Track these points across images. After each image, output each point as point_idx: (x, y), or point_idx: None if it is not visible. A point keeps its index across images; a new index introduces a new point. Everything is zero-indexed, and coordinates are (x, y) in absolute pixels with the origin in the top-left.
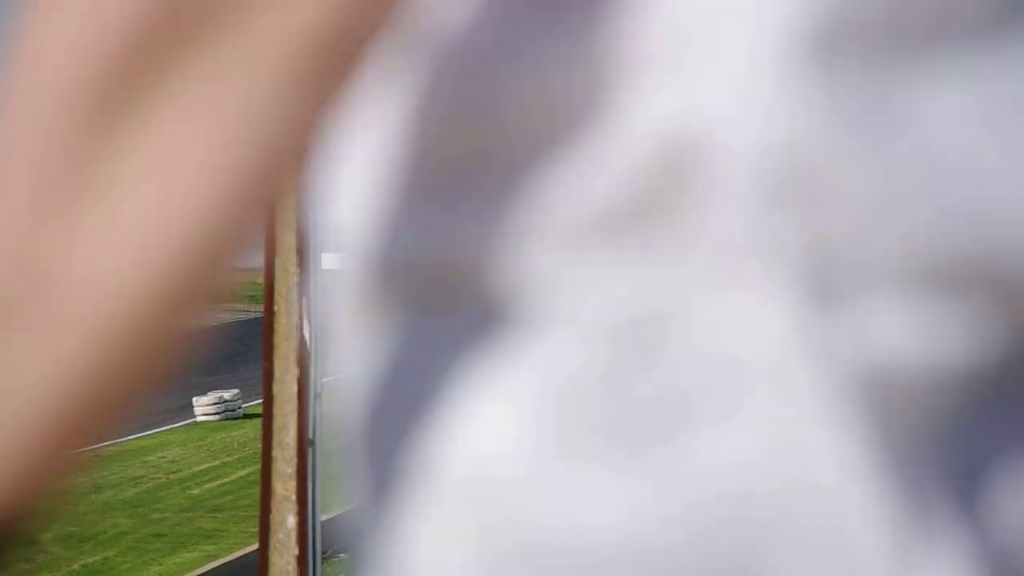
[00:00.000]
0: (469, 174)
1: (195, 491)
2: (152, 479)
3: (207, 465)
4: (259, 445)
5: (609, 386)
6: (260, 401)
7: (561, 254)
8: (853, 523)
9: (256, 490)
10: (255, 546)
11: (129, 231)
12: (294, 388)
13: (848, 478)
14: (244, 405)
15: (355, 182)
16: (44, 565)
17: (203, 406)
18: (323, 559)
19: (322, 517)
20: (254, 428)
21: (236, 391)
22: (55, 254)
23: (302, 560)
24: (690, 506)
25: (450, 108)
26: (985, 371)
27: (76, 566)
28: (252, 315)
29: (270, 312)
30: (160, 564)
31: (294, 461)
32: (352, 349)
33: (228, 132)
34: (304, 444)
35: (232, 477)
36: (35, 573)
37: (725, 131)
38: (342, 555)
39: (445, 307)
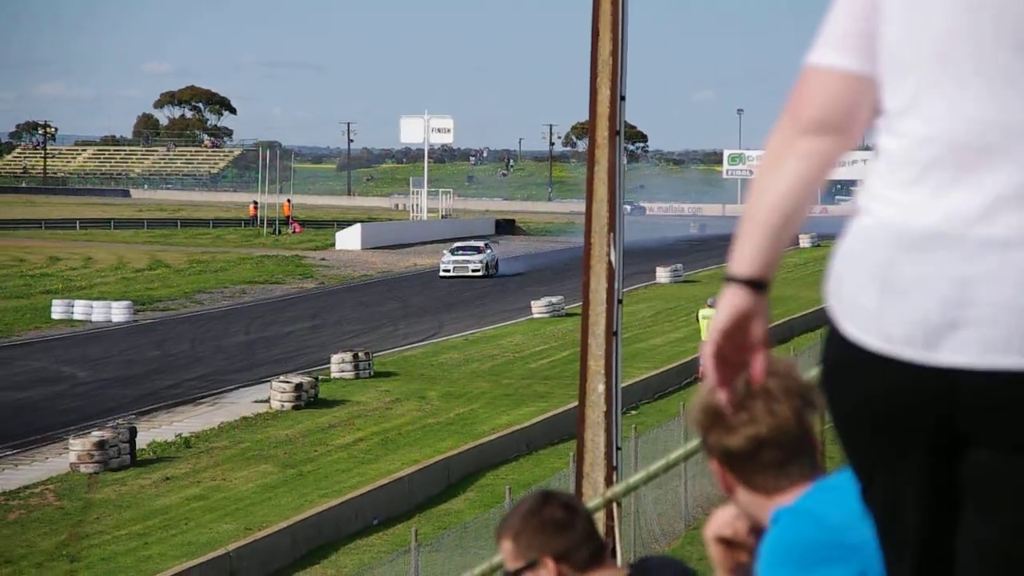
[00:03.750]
0: None
1: (532, 365)
2: (503, 356)
3: (540, 348)
4: (578, 335)
5: None
6: (579, 304)
7: None
8: None
9: (575, 366)
10: (575, 404)
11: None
12: (603, 295)
13: None
14: (566, 307)
15: None
16: (431, 413)
17: (537, 307)
18: (622, 414)
19: (622, 384)
20: (574, 323)
21: (561, 297)
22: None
23: (608, 414)
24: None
25: None
26: None
27: (452, 415)
28: (573, 245)
29: (588, 243)
30: (508, 415)
31: (603, 346)
32: None
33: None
34: (611, 334)
35: (558, 356)
36: (425, 418)
37: None
38: (633, 411)
39: None
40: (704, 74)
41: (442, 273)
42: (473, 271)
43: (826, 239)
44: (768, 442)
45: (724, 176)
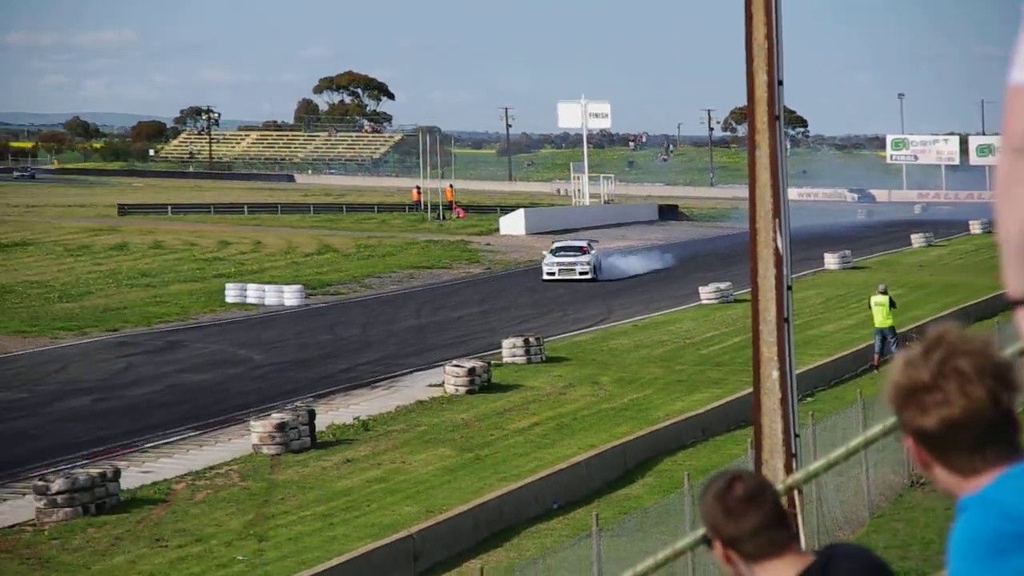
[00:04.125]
0: None
1: (704, 351)
2: (673, 342)
3: (711, 334)
4: (747, 321)
5: None
6: (747, 290)
7: None
8: None
9: (747, 352)
10: (749, 390)
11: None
12: (772, 282)
13: None
14: (734, 293)
15: None
16: (604, 398)
17: (706, 293)
18: (798, 401)
19: (796, 371)
20: (743, 309)
21: (729, 283)
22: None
23: (784, 401)
24: None
25: None
26: None
27: (625, 400)
28: (738, 231)
29: (753, 229)
30: (682, 401)
31: (775, 333)
32: None
33: None
34: (782, 320)
35: (729, 343)
36: (600, 403)
37: None
38: (809, 399)
39: None
40: (862, 57)
41: (546, 276)
42: (581, 274)
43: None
44: (962, 424)
45: (888, 161)
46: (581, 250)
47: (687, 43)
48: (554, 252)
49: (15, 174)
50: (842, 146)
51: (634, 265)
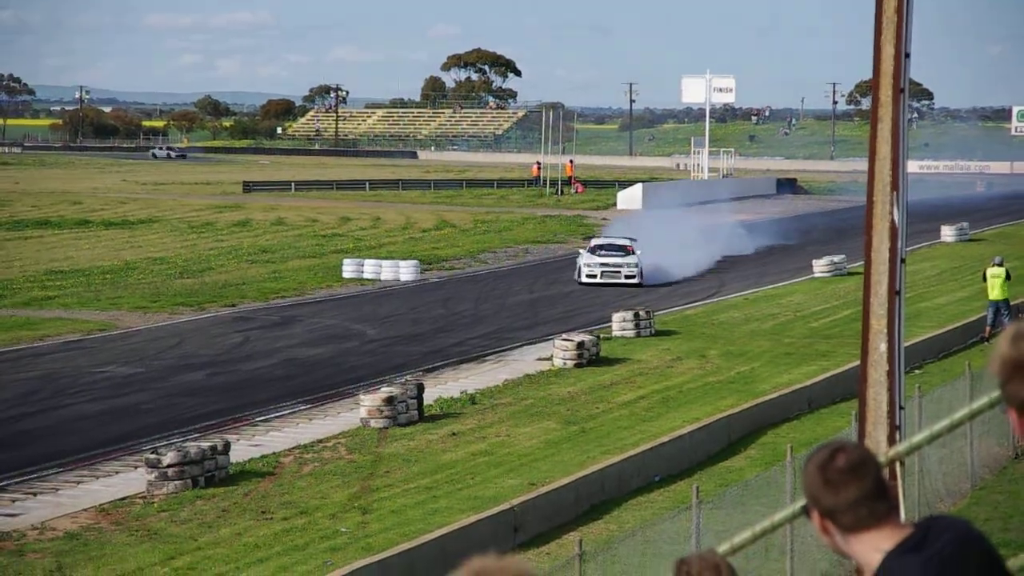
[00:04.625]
0: None
1: (814, 324)
2: (783, 316)
3: (822, 307)
4: (859, 294)
5: None
6: (860, 263)
7: None
8: None
9: (857, 325)
10: (856, 363)
11: None
12: (886, 255)
13: None
14: (848, 266)
15: None
16: (711, 371)
17: (819, 266)
18: (905, 373)
19: (905, 343)
20: (856, 282)
21: (843, 256)
22: None
23: (891, 374)
24: None
25: None
26: None
27: (732, 373)
28: (855, 204)
29: (870, 202)
30: (789, 373)
31: (885, 305)
32: None
33: None
34: (893, 293)
35: (839, 315)
36: (706, 376)
37: None
38: (917, 371)
39: None
40: (993, 28)
41: (584, 279)
42: (627, 277)
43: None
44: None
45: (1012, 133)
46: (624, 250)
47: (813, 16)
48: (594, 251)
49: (152, 152)
50: (967, 118)
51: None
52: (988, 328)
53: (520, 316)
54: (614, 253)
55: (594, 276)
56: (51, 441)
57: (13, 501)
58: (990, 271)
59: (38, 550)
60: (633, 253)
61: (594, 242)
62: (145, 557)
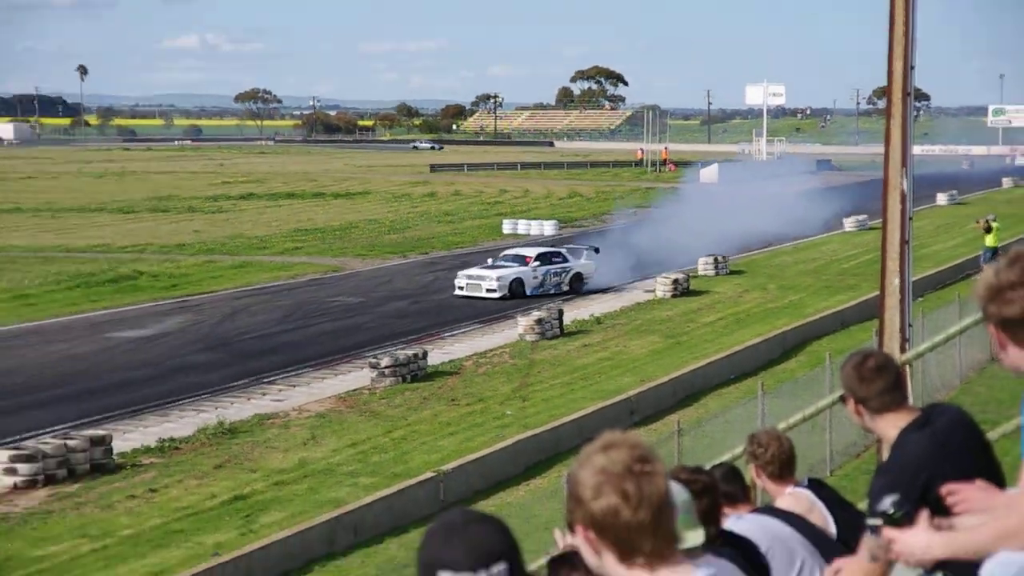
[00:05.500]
0: None
1: (845, 265)
2: (822, 259)
3: (850, 253)
4: (878, 243)
5: None
6: (879, 220)
7: None
8: None
9: (877, 266)
10: (877, 293)
11: None
12: (898, 214)
13: None
14: (869, 223)
15: None
16: (770, 300)
17: (848, 223)
18: (912, 300)
19: (912, 278)
20: (875, 235)
21: (865, 215)
22: None
23: (902, 301)
24: None
25: None
26: None
27: (786, 301)
28: (874, 178)
29: (886, 176)
30: (827, 301)
31: (898, 251)
32: None
33: None
34: (903, 242)
35: (863, 259)
36: (766, 303)
37: None
38: (920, 299)
39: None
40: (976, 45)
41: (456, 291)
42: (487, 291)
43: None
44: None
45: (988, 125)
46: (524, 260)
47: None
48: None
49: (413, 146)
50: (955, 114)
51: None
52: (983, 266)
53: (628, 260)
54: (503, 265)
55: (462, 288)
56: (303, 349)
57: (280, 391)
58: (971, 226)
59: (298, 425)
60: (526, 266)
61: (507, 251)
62: (371, 430)
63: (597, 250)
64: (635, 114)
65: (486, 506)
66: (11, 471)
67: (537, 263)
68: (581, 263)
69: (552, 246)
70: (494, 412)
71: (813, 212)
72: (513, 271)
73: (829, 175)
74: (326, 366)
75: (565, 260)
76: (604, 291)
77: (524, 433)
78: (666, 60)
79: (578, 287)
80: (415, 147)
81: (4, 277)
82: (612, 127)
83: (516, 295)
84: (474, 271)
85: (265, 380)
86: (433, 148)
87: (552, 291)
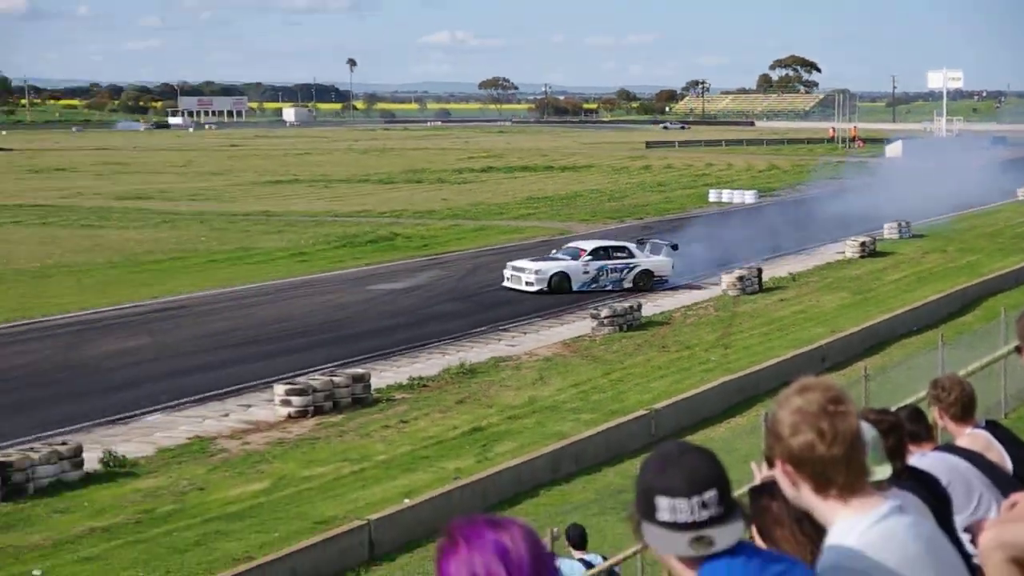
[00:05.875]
0: None
1: (1019, 231)
2: (998, 225)
3: (1022, 219)
4: None
5: None
6: None
7: None
8: None
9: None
10: None
11: None
12: None
13: None
14: None
15: None
16: (949, 260)
17: (1021, 192)
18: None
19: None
20: None
21: None
22: None
23: None
24: None
25: None
26: None
27: (963, 262)
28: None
29: None
30: (1002, 262)
31: None
32: None
33: None
34: None
35: None
36: (946, 263)
37: None
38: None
39: None
40: None
41: (505, 283)
42: (527, 284)
43: None
44: None
45: None
46: (578, 253)
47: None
48: (552, 254)
49: (663, 126)
50: None
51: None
52: None
53: (825, 227)
54: (554, 258)
55: (508, 280)
56: (532, 301)
57: (513, 337)
58: None
59: (528, 367)
60: (577, 260)
61: (569, 244)
62: (591, 372)
63: (676, 247)
64: (827, 97)
65: (692, 440)
66: (286, 403)
67: (590, 257)
68: (652, 259)
69: (634, 240)
70: (700, 358)
71: (988, 183)
72: (558, 265)
73: (1003, 150)
74: (553, 315)
75: (630, 255)
76: (798, 252)
77: (726, 376)
78: (855, 49)
79: (647, 284)
80: (665, 127)
81: (284, 238)
82: (806, 108)
83: (558, 290)
84: (520, 263)
85: (501, 328)
86: (682, 127)
87: (609, 287)
